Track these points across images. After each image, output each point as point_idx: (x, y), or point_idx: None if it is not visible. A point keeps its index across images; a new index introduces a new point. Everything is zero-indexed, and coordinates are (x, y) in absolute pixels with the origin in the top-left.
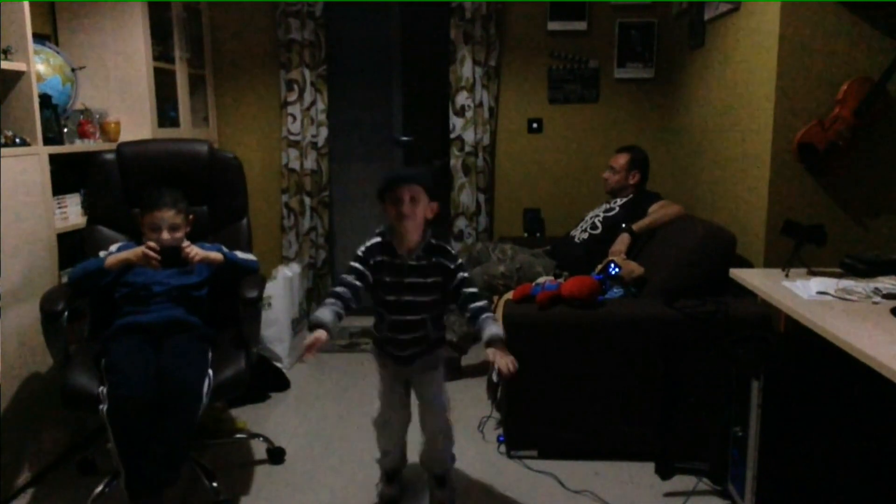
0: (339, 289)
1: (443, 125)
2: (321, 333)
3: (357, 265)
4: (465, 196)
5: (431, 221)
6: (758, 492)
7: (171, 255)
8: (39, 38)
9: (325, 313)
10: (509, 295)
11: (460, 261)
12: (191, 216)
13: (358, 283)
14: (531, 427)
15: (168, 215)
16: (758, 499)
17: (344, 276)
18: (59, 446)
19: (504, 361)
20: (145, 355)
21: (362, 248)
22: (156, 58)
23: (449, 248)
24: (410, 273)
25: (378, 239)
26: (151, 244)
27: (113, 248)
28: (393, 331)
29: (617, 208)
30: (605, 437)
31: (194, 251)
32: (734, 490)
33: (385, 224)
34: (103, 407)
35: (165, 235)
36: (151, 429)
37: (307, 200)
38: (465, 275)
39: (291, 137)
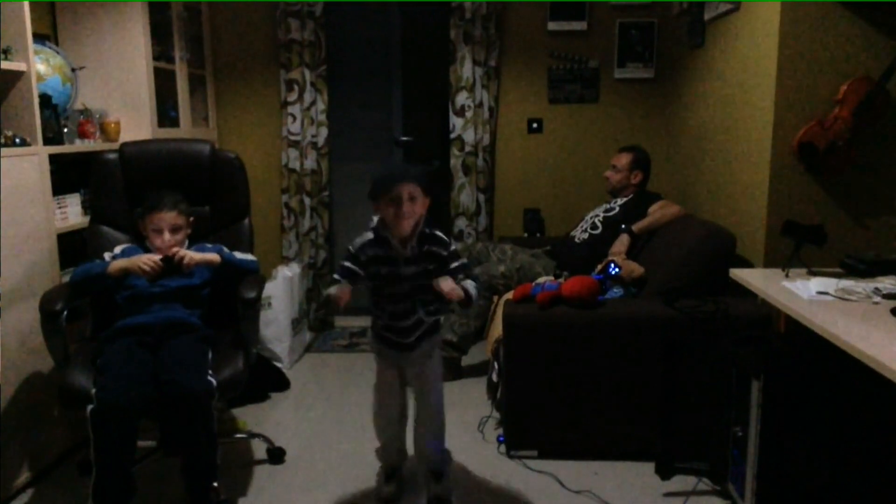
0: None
1: (443, 125)
2: (345, 285)
3: (348, 264)
4: (465, 196)
5: (424, 214)
6: (758, 492)
7: (166, 263)
8: (39, 38)
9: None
10: (509, 295)
11: (454, 247)
12: (191, 218)
13: (349, 278)
14: (531, 427)
15: (169, 217)
16: (758, 499)
17: (336, 275)
18: (59, 446)
19: (447, 286)
20: (140, 358)
21: (353, 247)
22: (156, 58)
23: (441, 235)
24: (407, 264)
25: (370, 235)
26: (150, 263)
27: (117, 249)
28: (393, 319)
29: (617, 208)
30: (605, 437)
31: (188, 256)
32: (734, 490)
33: (377, 219)
34: (90, 407)
35: (167, 237)
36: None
37: (307, 200)
38: (459, 263)
39: (291, 137)
